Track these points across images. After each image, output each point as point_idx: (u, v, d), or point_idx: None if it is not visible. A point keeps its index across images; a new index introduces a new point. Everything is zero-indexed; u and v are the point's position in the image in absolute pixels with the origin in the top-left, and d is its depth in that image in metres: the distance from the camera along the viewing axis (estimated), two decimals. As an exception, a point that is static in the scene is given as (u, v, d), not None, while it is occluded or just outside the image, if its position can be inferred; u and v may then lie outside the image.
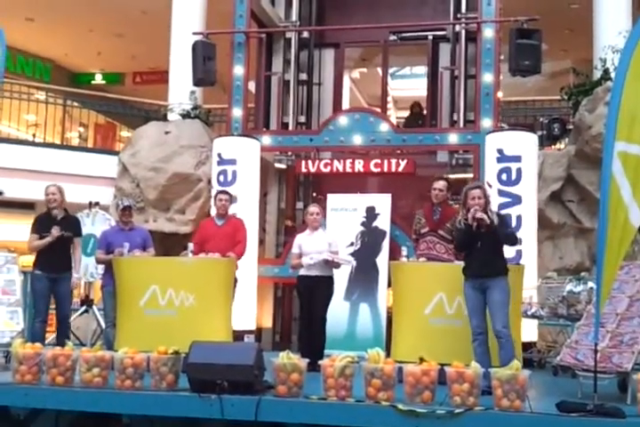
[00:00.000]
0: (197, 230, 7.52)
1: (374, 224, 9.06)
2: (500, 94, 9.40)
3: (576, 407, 4.75)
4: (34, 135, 14.34)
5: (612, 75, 9.10)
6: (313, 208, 7.28)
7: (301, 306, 7.29)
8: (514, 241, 5.89)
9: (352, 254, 8.47)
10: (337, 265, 7.13)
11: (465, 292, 5.79)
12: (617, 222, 5.01)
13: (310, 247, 7.05)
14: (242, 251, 7.21)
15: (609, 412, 4.67)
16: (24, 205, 12.15)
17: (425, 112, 11.71)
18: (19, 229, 14.05)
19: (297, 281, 7.21)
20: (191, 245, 7.13)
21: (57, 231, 6.92)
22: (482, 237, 5.70)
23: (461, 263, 6.51)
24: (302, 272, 7.10)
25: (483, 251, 5.72)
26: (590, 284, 7.27)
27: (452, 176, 10.20)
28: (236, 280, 7.23)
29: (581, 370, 5.63)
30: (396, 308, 6.57)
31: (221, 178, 8.99)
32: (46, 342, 6.92)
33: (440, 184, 6.92)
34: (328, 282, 7.10)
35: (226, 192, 7.56)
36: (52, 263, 6.98)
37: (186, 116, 10.83)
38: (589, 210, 9.49)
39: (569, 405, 4.82)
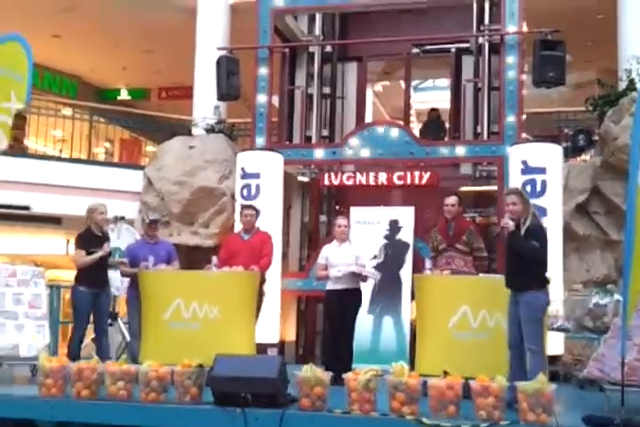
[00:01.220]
0: (223, 245, 7.53)
1: (397, 237, 9.05)
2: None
3: (603, 421, 4.71)
4: (60, 151, 14.51)
5: (638, 85, 9.06)
6: (341, 220, 7.29)
7: (330, 320, 7.23)
8: (530, 255, 5.45)
9: (375, 267, 8.45)
10: (364, 278, 7.12)
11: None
12: (643, 234, 4.96)
13: (338, 259, 7.04)
14: (267, 264, 7.21)
15: (636, 425, 4.61)
16: (51, 220, 12.27)
17: (442, 119, 11.74)
18: (46, 243, 14.25)
19: (325, 296, 7.17)
20: (215, 259, 7.15)
21: (108, 247, 7.06)
22: (510, 247, 5.63)
23: (485, 276, 6.52)
24: (330, 286, 7.07)
25: (510, 262, 5.64)
26: (617, 296, 7.21)
27: (475, 188, 10.20)
28: (263, 294, 7.25)
29: (608, 383, 5.56)
30: (420, 321, 6.54)
31: (245, 192, 9.02)
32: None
33: (451, 200, 6.95)
34: (357, 294, 7.10)
35: (251, 207, 7.57)
36: (95, 279, 7.06)
37: (210, 130, 10.90)
38: (616, 222, 9.37)
39: (595, 419, 4.77)
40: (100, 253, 7.01)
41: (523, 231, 5.51)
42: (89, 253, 7.05)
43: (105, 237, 7.25)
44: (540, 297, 5.50)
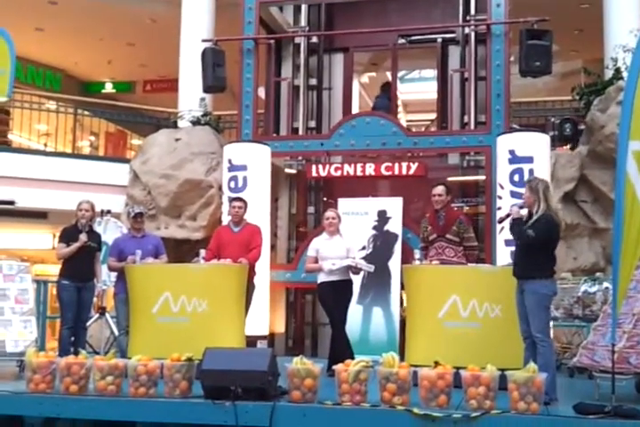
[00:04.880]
0: (213, 237, 7.49)
1: (386, 228, 9.04)
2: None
3: (594, 409, 4.71)
4: (45, 145, 14.41)
5: (624, 74, 9.07)
6: (329, 213, 7.26)
7: (328, 313, 7.18)
8: (523, 242, 5.52)
9: (364, 258, 8.41)
10: (358, 271, 7.11)
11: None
12: (633, 222, 4.96)
13: (329, 252, 7.02)
14: (256, 257, 7.18)
15: (627, 413, 4.63)
16: (36, 215, 12.19)
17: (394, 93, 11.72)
18: (31, 238, 14.17)
19: (319, 288, 7.14)
20: (203, 252, 7.10)
21: (85, 237, 7.07)
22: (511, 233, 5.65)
23: (475, 266, 6.52)
24: (323, 279, 7.04)
25: (518, 250, 5.66)
26: (605, 284, 7.22)
27: (463, 178, 10.20)
28: (254, 287, 7.21)
29: (598, 371, 5.57)
30: (410, 311, 6.53)
31: (232, 184, 8.98)
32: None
33: (438, 189, 6.91)
34: (349, 285, 7.11)
35: (240, 199, 7.51)
36: (78, 272, 7.11)
37: (196, 122, 10.84)
38: (603, 210, 9.41)
39: (586, 407, 4.77)
40: (76, 245, 7.04)
41: (532, 220, 5.50)
42: (69, 246, 7.08)
43: (92, 234, 7.22)
44: (546, 285, 5.46)
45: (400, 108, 17.05)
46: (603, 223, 9.37)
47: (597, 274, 8.15)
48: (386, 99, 11.59)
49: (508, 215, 5.76)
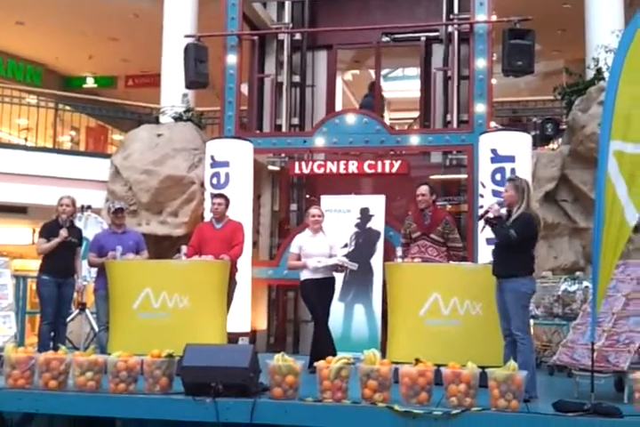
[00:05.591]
0: (194, 233, 7.46)
1: (368, 225, 9.05)
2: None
3: (573, 407, 4.74)
4: (25, 139, 14.27)
5: (605, 74, 9.14)
6: (314, 210, 7.24)
7: (312, 310, 7.15)
8: (502, 241, 5.55)
9: (346, 256, 8.43)
10: (343, 269, 7.11)
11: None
12: (613, 221, 4.99)
13: (313, 249, 7.01)
14: (238, 253, 7.15)
15: (606, 411, 4.66)
16: (16, 210, 12.10)
17: (382, 93, 11.76)
18: (11, 233, 14.06)
19: (302, 286, 7.12)
20: (184, 248, 7.07)
21: (65, 232, 7.02)
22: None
23: (456, 263, 6.54)
24: (307, 276, 7.02)
25: (497, 249, 5.67)
26: (585, 283, 7.27)
27: (445, 177, 10.23)
28: (235, 283, 7.19)
29: (578, 369, 5.62)
30: (392, 308, 6.53)
31: (214, 180, 8.96)
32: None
33: (422, 190, 6.88)
34: (333, 283, 7.12)
35: (221, 195, 7.47)
36: (58, 268, 7.08)
37: (178, 118, 10.79)
38: (583, 209, 9.48)
39: (566, 404, 4.80)
40: (56, 240, 7.01)
41: (512, 219, 5.52)
42: (49, 242, 7.04)
43: (72, 229, 7.18)
44: (524, 284, 5.48)
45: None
46: (583, 223, 9.45)
47: (577, 273, 8.21)
48: (374, 98, 11.60)
49: (487, 212, 5.76)
